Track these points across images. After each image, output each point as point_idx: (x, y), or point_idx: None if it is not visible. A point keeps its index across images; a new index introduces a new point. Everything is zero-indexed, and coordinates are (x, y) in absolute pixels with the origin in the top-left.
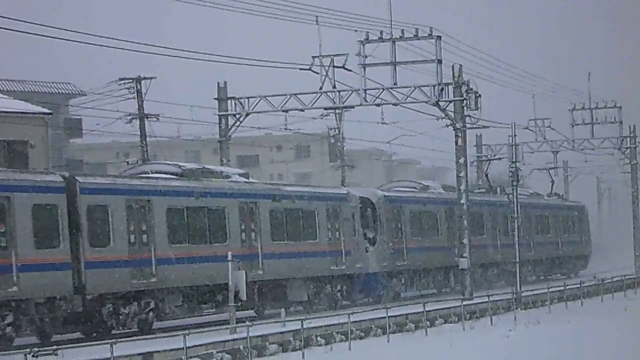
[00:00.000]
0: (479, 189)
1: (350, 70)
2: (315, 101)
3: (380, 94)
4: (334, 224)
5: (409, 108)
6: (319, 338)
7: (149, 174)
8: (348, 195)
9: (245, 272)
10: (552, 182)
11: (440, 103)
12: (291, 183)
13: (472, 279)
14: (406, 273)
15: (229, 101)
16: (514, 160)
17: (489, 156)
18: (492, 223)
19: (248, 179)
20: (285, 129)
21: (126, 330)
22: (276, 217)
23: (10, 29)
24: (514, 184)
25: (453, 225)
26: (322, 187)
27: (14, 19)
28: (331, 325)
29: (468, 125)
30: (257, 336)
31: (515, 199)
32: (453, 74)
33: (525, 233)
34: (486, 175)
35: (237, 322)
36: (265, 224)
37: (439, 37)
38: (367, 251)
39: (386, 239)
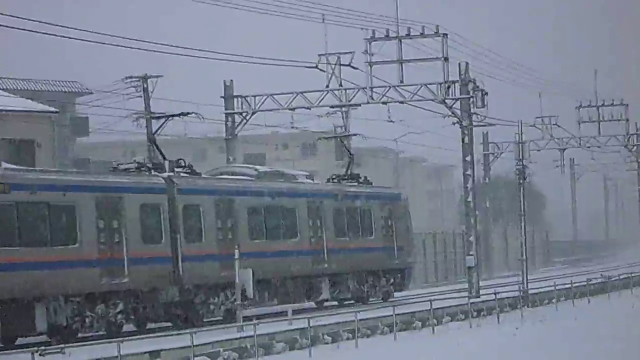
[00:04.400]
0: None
1: (356, 69)
2: (322, 99)
3: (386, 92)
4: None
5: (415, 106)
6: (325, 336)
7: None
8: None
9: (252, 270)
10: (350, 158)
11: (446, 101)
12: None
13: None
14: None
15: (235, 99)
16: (520, 158)
17: (495, 154)
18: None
19: (313, 180)
20: (292, 127)
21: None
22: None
23: (17, 28)
24: (521, 182)
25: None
26: None
27: (21, 18)
28: (338, 323)
29: (474, 123)
30: (264, 334)
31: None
32: (459, 72)
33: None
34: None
35: (244, 321)
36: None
37: (446, 35)
38: None
39: None
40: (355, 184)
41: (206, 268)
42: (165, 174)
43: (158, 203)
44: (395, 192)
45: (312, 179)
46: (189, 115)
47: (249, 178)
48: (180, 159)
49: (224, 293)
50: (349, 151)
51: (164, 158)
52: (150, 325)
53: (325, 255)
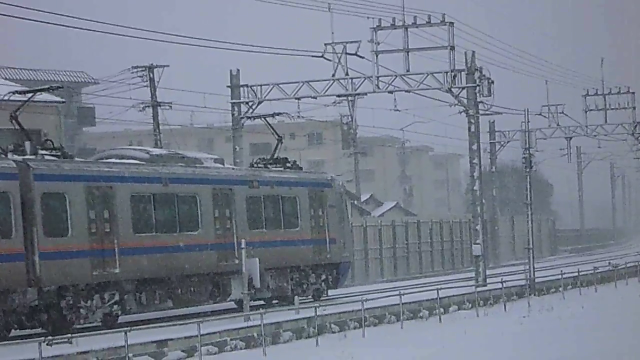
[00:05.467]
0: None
1: (362, 58)
2: (328, 88)
3: (392, 81)
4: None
5: (421, 95)
6: (332, 325)
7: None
8: None
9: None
10: (278, 140)
11: (453, 90)
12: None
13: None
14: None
15: (241, 89)
16: (527, 146)
17: (501, 142)
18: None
19: (224, 164)
20: (298, 116)
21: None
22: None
23: (21, 18)
24: (527, 170)
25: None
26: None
27: (25, 8)
28: (345, 312)
29: (481, 112)
30: (271, 323)
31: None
32: (466, 61)
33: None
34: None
35: (250, 310)
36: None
37: (452, 24)
38: None
39: None
40: (281, 168)
41: (73, 267)
42: (20, 158)
43: (7, 191)
44: (328, 177)
45: (223, 163)
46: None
47: (136, 162)
48: (48, 140)
49: (100, 295)
50: (276, 133)
51: (29, 139)
52: (149, 316)
53: (236, 249)
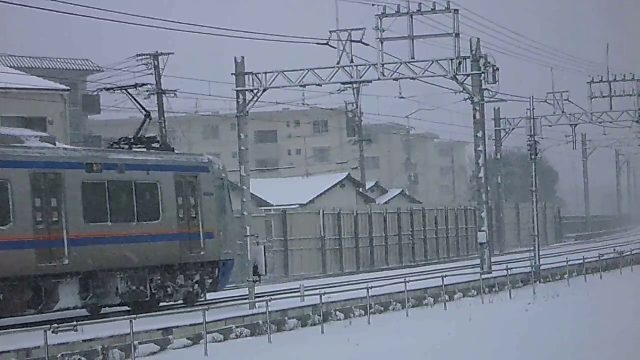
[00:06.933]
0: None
1: (367, 45)
2: (333, 76)
3: (397, 68)
4: None
5: (426, 82)
6: (338, 313)
7: None
8: None
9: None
10: (146, 116)
11: (458, 77)
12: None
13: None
14: None
15: (246, 77)
16: (532, 134)
17: (507, 130)
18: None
19: (55, 144)
20: (303, 104)
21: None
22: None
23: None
24: (533, 158)
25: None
26: None
27: None
28: (350, 300)
29: (486, 99)
30: (277, 311)
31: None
32: (471, 48)
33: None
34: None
35: (256, 297)
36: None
37: (457, 11)
38: None
39: None
40: (144, 149)
41: None
42: None
43: None
44: (204, 160)
45: (54, 143)
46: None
47: None
48: None
49: None
50: (143, 108)
51: None
52: (163, 303)
53: (67, 247)
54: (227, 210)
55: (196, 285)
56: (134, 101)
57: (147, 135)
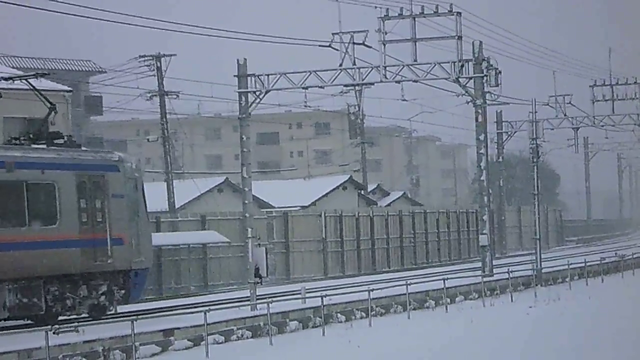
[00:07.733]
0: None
1: (370, 47)
2: (335, 78)
3: (400, 70)
4: None
5: (429, 85)
6: (339, 315)
7: None
8: None
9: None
10: (50, 109)
11: (460, 80)
12: None
13: None
14: None
15: (248, 78)
16: (534, 136)
17: (509, 133)
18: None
19: None
20: (305, 106)
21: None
22: None
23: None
24: (535, 161)
25: None
26: None
27: None
28: (351, 302)
29: (488, 102)
30: (278, 313)
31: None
32: (473, 51)
33: None
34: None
35: (257, 299)
36: None
37: (459, 14)
38: None
39: None
40: (43, 146)
41: None
42: None
43: None
44: (114, 158)
45: None
46: None
47: None
48: None
49: None
50: (47, 100)
51: None
52: (164, 304)
53: None
54: (141, 214)
55: (103, 297)
56: (37, 92)
57: (50, 130)
